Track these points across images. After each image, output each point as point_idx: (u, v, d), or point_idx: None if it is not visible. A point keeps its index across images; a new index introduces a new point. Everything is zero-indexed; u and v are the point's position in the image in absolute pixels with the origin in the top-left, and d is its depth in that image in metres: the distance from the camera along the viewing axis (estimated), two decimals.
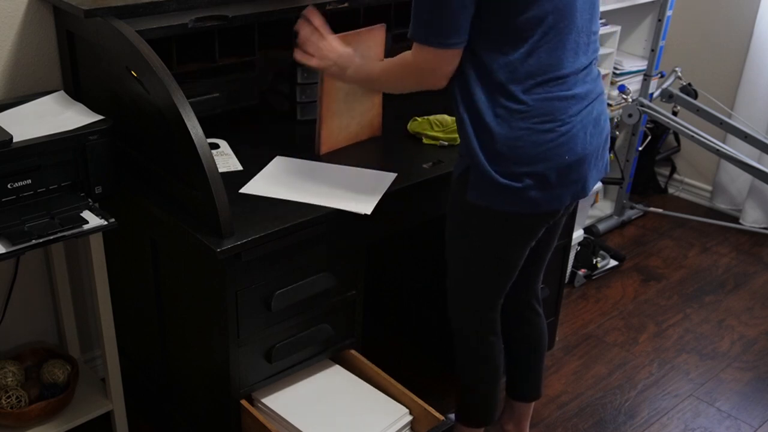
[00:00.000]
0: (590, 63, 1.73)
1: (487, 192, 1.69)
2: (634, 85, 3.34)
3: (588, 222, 3.38)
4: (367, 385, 2.02)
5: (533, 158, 1.66)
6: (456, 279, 1.93)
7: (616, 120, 3.28)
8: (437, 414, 1.91)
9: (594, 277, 3.16)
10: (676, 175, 3.89)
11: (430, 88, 1.70)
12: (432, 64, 1.64)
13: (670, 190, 3.90)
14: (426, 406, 1.93)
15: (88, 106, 1.91)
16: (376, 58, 1.96)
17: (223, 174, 1.80)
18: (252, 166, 1.97)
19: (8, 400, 1.98)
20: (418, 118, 2.17)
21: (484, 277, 1.88)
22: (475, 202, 1.72)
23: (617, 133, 3.35)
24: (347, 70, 1.82)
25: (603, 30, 3.19)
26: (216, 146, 2.03)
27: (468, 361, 2.04)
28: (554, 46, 1.63)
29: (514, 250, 1.83)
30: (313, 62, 1.85)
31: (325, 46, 1.84)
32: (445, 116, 2.18)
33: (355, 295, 2.01)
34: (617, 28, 3.22)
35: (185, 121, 1.65)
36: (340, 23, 2.18)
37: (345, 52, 1.83)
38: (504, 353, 2.05)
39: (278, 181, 1.90)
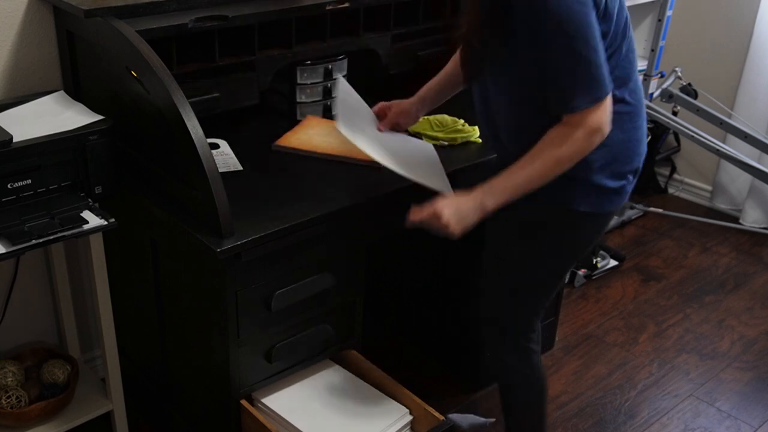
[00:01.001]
0: None
1: (600, 198, 1.72)
2: None
3: None
4: (367, 384, 2.02)
5: (636, 155, 1.74)
6: (516, 290, 1.87)
7: None
8: (437, 414, 1.91)
9: (594, 277, 3.16)
10: (676, 175, 3.89)
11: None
12: (603, 118, 1.59)
13: (670, 190, 3.90)
14: (426, 406, 1.93)
15: (88, 106, 1.91)
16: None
17: (223, 174, 1.80)
18: (252, 166, 1.98)
19: (8, 400, 1.98)
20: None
21: (552, 282, 1.87)
22: (585, 209, 1.72)
23: None
24: (490, 201, 1.66)
25: None
26: (216, 146, 2.03)
27: (511, 372, 1.97)
28: (632, 47, 1.69)
29: (591, 247, 1.87)
30: (456, 231, 1.69)
31: (442, 216, 1.68)
32: (445, 116, 2.18)
33: (355, 295, 2.01)
34: None
35: (185, 121, 1.65)
36: (340, 23, 2.19)
37: (464, 198, 1.68)
38: None
39: (356, 125, 1.90)
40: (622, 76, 1.66)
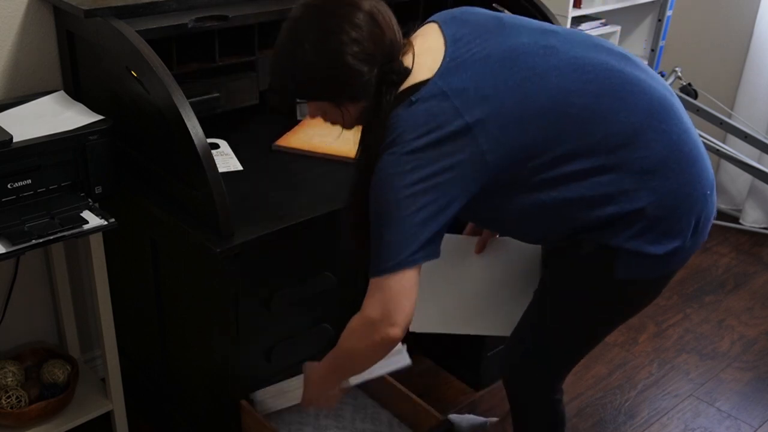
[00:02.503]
0: None
1: (644, 265, 1.55)
2: None
3: None
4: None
5: (682, 213, 1.55)
6: (552, 345, 1.75)
7: None
8: (437, 414, 1.91)
9: None
10: None
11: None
12: (408, 290, 1.48)
13: None
14: (426, 406, 1.93)
15: (88, 106, 1.91)
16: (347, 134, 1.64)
17: (223, 174, 1.80)
18: (252, 166, 1.98)
19: (8, 400, 1.98)
20: None
21: (587, 344, 1.77)
22: (627, 277, 1.55)
23: None
24: (338, 376, 1.67)
25: (603, 30, 3.19)
26: (216, 146, 2.03)
27: (533, 421, 1.91)
28: (630, 159, 1.53)
29: (643, 307, 1.73)
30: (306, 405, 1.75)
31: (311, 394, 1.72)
32: None
33: (355, 295, 2.01)
34: (617, 28, 3.22)
35: (185, 121, 1.65)
36: None
37: (311, 379, 1.71)
38: None
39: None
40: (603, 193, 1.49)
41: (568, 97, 1.47)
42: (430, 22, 1.58)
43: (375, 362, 1.57)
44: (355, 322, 1.52)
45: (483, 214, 1.60)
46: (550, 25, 1.61)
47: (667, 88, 1.59)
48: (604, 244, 1.53)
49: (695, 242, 1.59)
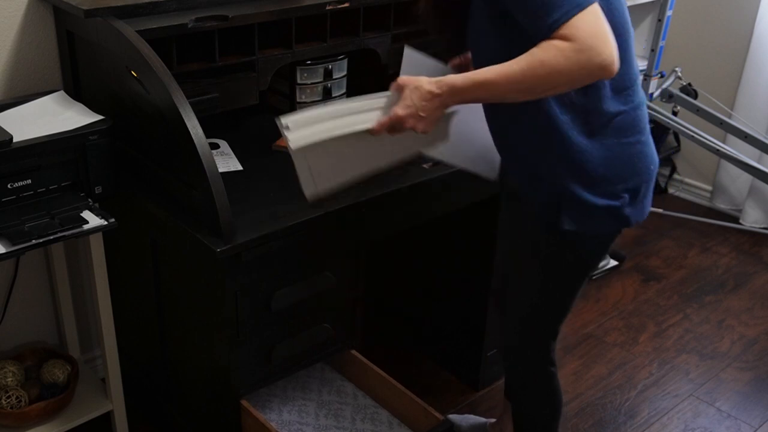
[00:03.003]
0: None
1: (586, 217, 1.61)
2: None
3: None
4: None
5: (629, 173, 1.61)
6: (527, 310, 1.82)
7: None
8: (437, 414, 1.91)
9: (594, 277, 3.16)
10: (676, 175, 3.89)
11: (598, 80, 1.44)
12: (598, 31, 1.36)
13: (670, 190, 3.90)
14: (426, 406, 1.93)
15: (88, 106, 1.91)
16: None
17: (223, 174, 1.80)
18: (252, 166, 1.97)
19: (8, 400, 1.98)
20: None
21: (561, 303, 1.80)
22: (570, 229, 1.61)
23: None
24: (457, 101, 1.53)
25: None
26: (216, 146, 2.03)
27: (531, 396, 1.94)
28: (627, 54, 1.56)
29: (593, 270, 1.76)
30: (427, 129, 1.56)
31: (405, 122, 1.54)
32: None
33: (355, 295, 2.01)
34: None
35: (185, 121, 1.65)
36: (340, 23, 2.19)
37: (425, 89, 1.52)
38: None
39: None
40: (613, 85, 1.55)
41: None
42: None
43: (575, 86, 1.45)
44: (570, 50, 1.37)
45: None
46: None
47: None
48: (554, 191, 1.59)
49: (638, 209, 1.64)
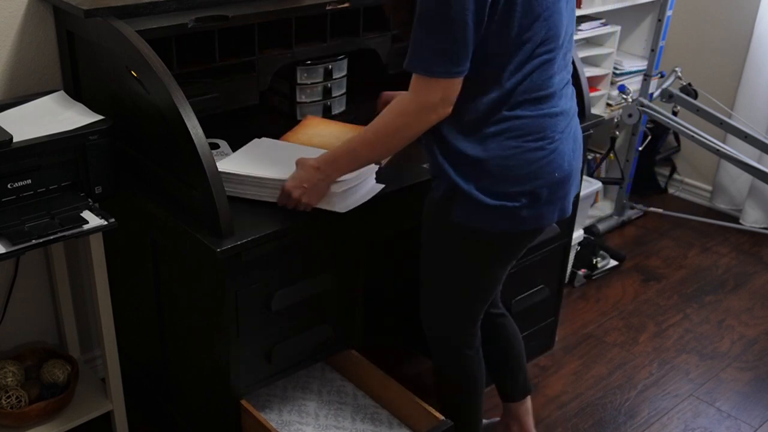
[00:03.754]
0: (569, 79, 1.74)
1: (476, 213, 1.67)
2: (634, 85, 3.34)
3: (588, 222, 3.38)
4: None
5: (526, 176, 1.65)
6: (434, 294, 1.90)
7: (616, 120, 3.28)
8: (437, 414, 1.91)
9: (594, 277, 3.16)
10: (676, 175, 3.89)
11: (434, 123, 1.62)
12: (441, 95, 1.56)
13: (670, 190, 3.90)
14: (426, 406, 1.93)
15: (88, 106, 1.91)
16: (349, 134, 1.83)
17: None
18: None
19: (8, 400, 1.98)
20: None
21: (466, 295, 1.86)
22: (462, 222, 1.69)
23: (617, 133, 3.35)
24: (334, 171, 1.71)
25: (603, 30, 3.19)
26: (216, 146, 2.03)
27: (444, 371, 2.02)
28: (546, 65, 1.62)
29: (498, 268, 1.82)
30: (311, 202, 1.74)
31: (292, 194, 1.72)
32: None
33: (355, 295, 2.01)
34: (617, 28, 3.22)
35: (185, 121, 1.65)
36: (340, 23, 2.19)
37: (308, 164, 1.72)
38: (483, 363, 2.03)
39: (252, 159, 1.88)
40: (520, 90, 1.61)
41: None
42: None
43: (415, 138, 1.64)
44: (410, 106, 1.59)
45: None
46: None
47: None
48: (452, 185, 1.66)
49: (537, 213, 1.69)
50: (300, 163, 1.74)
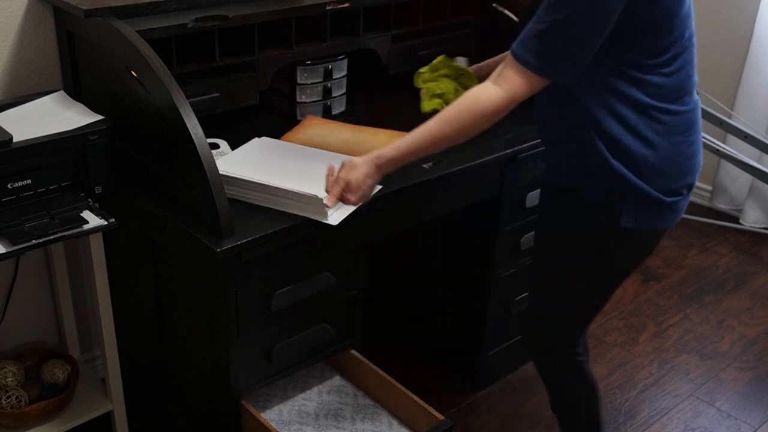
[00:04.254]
0: None
1: (646, 214, 1.65)
2: None
3: None
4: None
5: (688, 170, 1.67)
6: (559, 300, 1.83)
7: None
8: (437, 414, 1.91)
9: None
10: None
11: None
12: (527, 93, 1.54)
13: None
14: (426, 406, 1.93)
15: (88, 106, 1.91)
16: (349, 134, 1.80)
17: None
18: None
19: (8, 400, 1.98)
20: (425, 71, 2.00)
21: (603, 297, 1.83)
22: (630, 226, 1.65)
23: None
24: (394, 161, 1.66)
25: None
26: (216, 146, 2.03)
27: (563, 385, 1.98)
28: (691, 61, 1.63)
29: (639, 265, 1.82)
30: (353, 199, 1.71)
31: (348, 178, 1.68)
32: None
33: (355, 295, 2.01)
34: None
35: (185, 121, 1.65)
36: (340, 23, 2.19)
37: (368, 157, 1.67)
38: None
39: (252, 159, 1.88)
40: (676, 87, 1.60)
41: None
42: None
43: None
44: (501, 103, 1.55)
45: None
46: None
47: None
48: (621, 185, 1.61)
49: (684, 206, 1.70)
50: (348, 166, 1.69)
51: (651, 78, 1.57)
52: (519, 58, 1.53)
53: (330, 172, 1.73)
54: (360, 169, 1.67)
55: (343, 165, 1.70)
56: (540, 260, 1.86)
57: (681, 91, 1.62)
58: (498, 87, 1.56)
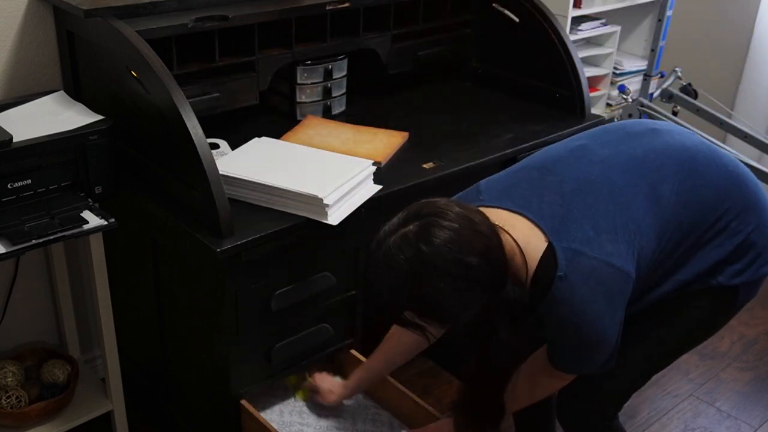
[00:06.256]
0: None
1: (755, 288, 1.84)
2: (634, 85, 3.34)
3: None
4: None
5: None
6: (640, 373, 1.78)
7: (616, 120, 3.27)
8: (437, 414, 1.91)
9: None
10: None
11: None
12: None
13: None
14: (426, 406, 1.93)
15: (88, 106, 1.91)
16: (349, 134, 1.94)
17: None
18: None
19: (8, 400, 1.98)
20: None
21: (672, 360, 1.85)
22: (742, 300, 1.82)
23: None
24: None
25: (603, 30, 3.19)
26: (216, 146, 2.03)
27: None
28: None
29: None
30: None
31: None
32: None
33: (355, 295, 2.01)
34: (617, 28, 3.22)
35: (185, 121, 1.65)
36: (340, 23, 2.19)
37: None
38: None
39: (252, 160, 1.89)
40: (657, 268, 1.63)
41: (679, 206, 1.60)
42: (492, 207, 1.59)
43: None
44: (551, 390, 1.73)
45: None
46: (578, 137, 1.68)
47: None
48: (723, 285, 1.73)
49: None
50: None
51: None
52: (561, 368, 1.65)
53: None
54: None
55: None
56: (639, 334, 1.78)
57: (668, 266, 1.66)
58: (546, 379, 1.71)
